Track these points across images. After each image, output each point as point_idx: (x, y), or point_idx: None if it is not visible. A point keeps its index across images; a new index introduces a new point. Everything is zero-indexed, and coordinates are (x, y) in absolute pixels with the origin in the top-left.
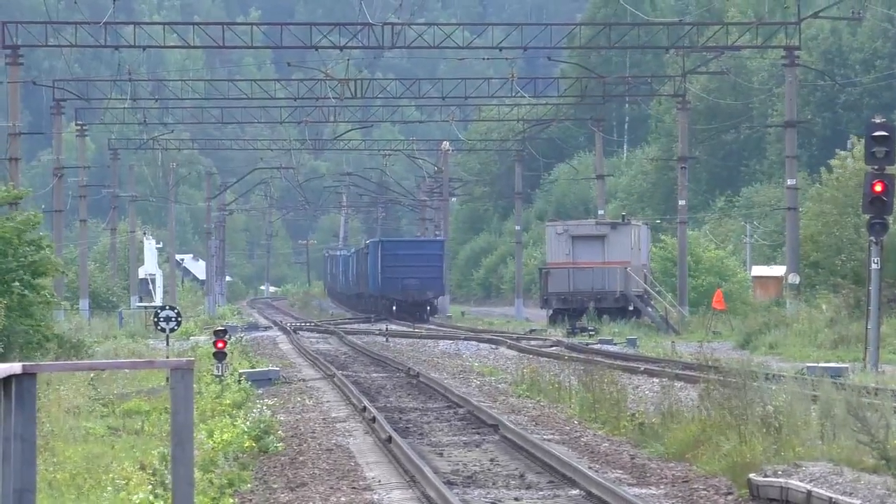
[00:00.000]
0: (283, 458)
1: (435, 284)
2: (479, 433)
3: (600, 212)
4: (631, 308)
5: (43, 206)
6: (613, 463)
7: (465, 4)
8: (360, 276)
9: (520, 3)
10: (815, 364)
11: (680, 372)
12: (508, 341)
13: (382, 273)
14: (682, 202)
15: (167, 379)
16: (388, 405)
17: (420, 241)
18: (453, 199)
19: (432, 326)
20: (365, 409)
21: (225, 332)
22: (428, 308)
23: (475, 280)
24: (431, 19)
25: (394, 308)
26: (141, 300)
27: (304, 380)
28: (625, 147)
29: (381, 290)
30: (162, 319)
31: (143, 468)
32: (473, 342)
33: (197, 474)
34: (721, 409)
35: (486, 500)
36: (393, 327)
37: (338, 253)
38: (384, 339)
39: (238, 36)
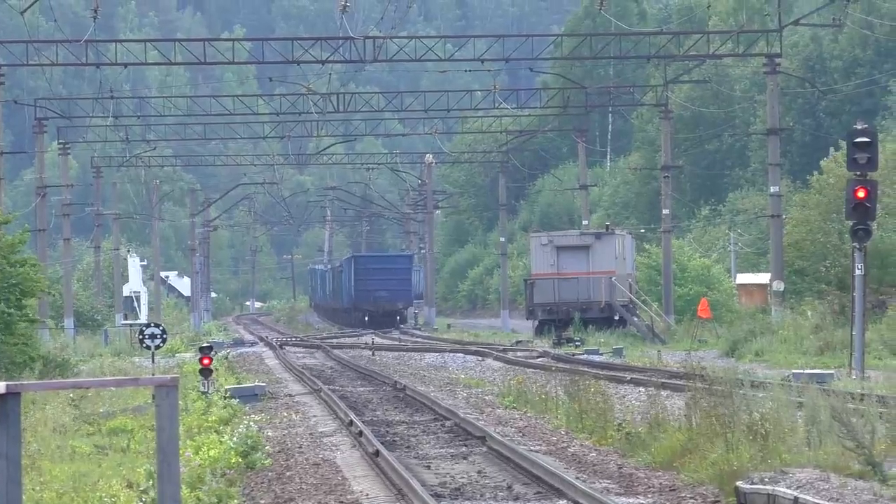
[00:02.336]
0: (270, 474)
1: (404, 295)
2: (466, 445)
3: (584, 222)
4: (616, 318)
5: (26, 226)
6: (601, 473)
7: (446, 17)
8: (336, 290)
9: (502, 16)
10: (801, 371)
11: (666, 381)
12: (495, 353)
13: (355, 286)
14: (665, 211)
15: (153, 396)
16: (375, 419)
17: (390, 256)
18: (437, 211)
19: (418, 338)
20: (352, 423)
21: (210, 348)
22: (398, 318)
23: (461, 292)
24: (413, 32)
25: (366, 318)
26: (126, 318)
27: (290, 395)
28: (608, 157)
29: (354, 303)
30: (147, 337)
31: (130, 486)
32: (460, 354)
33: (184, 491)
34: (708, 417)
35: None
36: (379, 340)
37: (317, 268)
38: (370, 353)
39: (220, 52)
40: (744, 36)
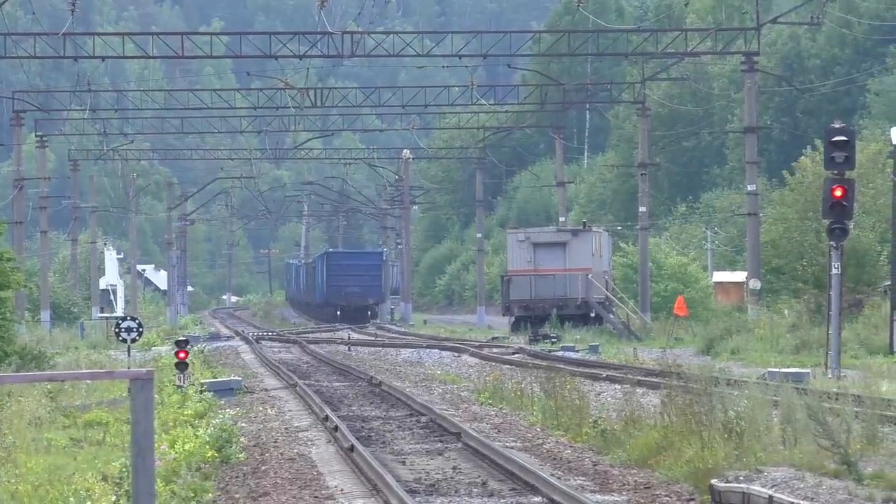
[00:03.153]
0: (245, 468)
1: (375, 291)
2: (441, 441)
3: (561, 219)
4: (593, 315)
5: (3, 218)
6: (576, 470)
7: (425, 13)
8: (309, 285)
9: (480, 12)
10: (777, 369)
11: (642, 378)
12: (471, 349)
13: (327, 282)
14: (642, 209)
15: (129, 390)
16: (351, 414)
17: (361, 253)
18: (414, 207)
19: (394, 334)
20: (327, 417)
21: (186, 342)
22: (369, 313)
23: (437, 288)
24: (391, 28)
25: (338, 313)
26: (102, 311)
27: (266, 389)
28: (585, 154)
29: (326, 298)
30: (123, 330)
31: (105, 479)
32: (436, 350)
33: (159, 485)
34: (683, 414)
35: None
36: (355, 336)
37: (292, 262)
38: (346, 349)
39: (198, 46)
40: (722, 34)
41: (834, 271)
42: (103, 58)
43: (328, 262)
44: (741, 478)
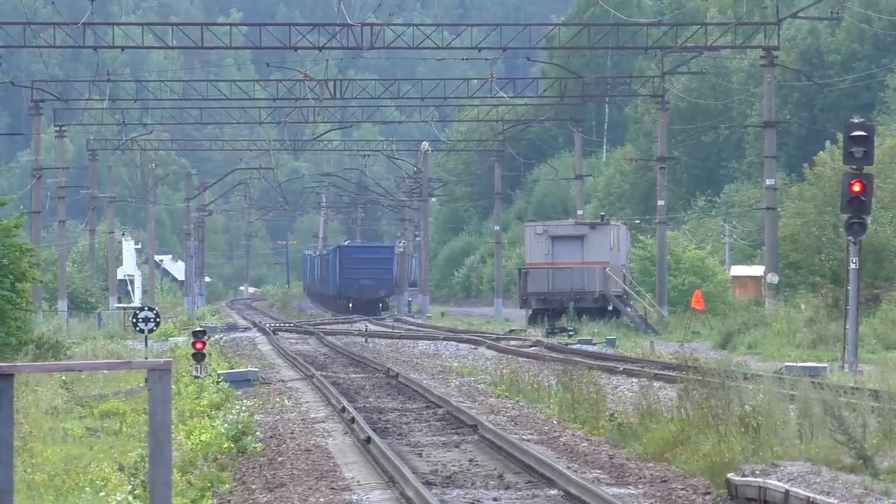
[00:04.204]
0: (261, 459)
1: (386, 284)
2: (458, 433)
3: (580, 212)
4: (610, 308)
5: (22, 208)
6: (592, 463)
7: (444, 5)
8: (323, 277)
9: (500, 5)
10: (794, 364)
11: (659, 372)
12: (488, 341)
13: (341, 275)
14: (661, 202)
15: (146, 380)
16: (368, 406)
17: (374, 247)
18: (433, 199)
19: (411, 326)
20: (344, 409)
21: (204, 332)
22: (380, 305)
23: (455, 280)
24: (410, 20)
25: (350, 305)
26: (120, 301)
27: (283, 381)
28: (604, 147)
29: (339, 290)
30: (140, 320)
31: (121, 469)
32: (453, 342)
33: (176, 475)
34: (700, 408)
35: (465, 500)
36: (372, 327)
37: (308, 253)
38: (363, 340)
39: (217, 37)
40: (742, 28)
41: (852, 266)
42: (122, 48)
43: (341, 256)
44: (757, 472)
